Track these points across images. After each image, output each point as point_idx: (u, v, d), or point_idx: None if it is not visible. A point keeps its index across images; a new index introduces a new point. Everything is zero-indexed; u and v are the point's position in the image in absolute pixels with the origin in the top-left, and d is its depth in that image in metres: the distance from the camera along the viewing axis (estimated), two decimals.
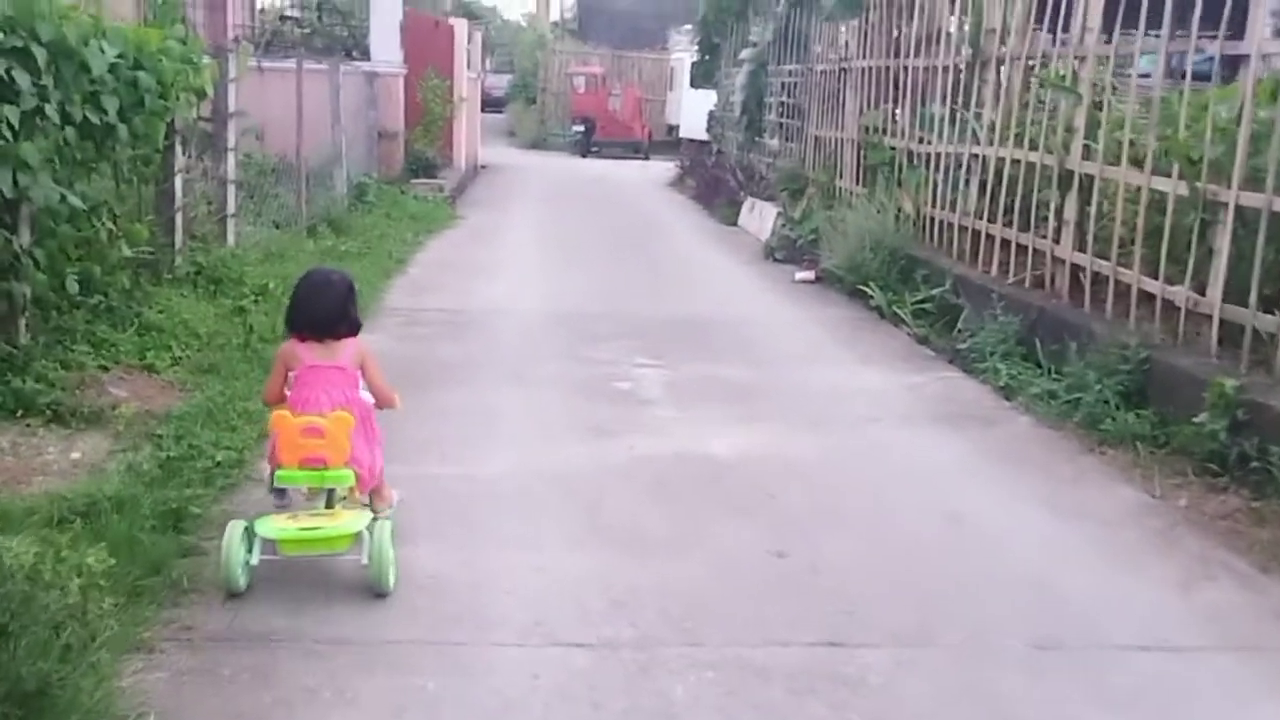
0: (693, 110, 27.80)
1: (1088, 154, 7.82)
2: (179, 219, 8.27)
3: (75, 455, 5.19)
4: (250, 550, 3.92)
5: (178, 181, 8.22)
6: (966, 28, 9.98)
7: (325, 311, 4.17)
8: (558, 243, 13.66)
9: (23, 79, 5.38)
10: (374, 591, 3.94)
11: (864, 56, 12.79)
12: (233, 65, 9.58)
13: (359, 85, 16.10)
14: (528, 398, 6.63)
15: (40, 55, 5.45)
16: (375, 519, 4.07)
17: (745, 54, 18.18)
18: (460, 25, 21.22)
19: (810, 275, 11.08)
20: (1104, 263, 7.41)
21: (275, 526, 3.95)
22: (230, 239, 9.57)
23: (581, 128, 30.76)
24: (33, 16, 5.49)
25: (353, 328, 4.25)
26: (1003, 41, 9.31)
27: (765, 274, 11.70)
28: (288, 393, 4.20)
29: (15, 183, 5.45)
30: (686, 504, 4.98)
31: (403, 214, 14.03)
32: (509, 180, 22.02)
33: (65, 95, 5.87)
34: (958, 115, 9.93)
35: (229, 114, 9.55)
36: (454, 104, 18.00)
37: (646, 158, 29.71)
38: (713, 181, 18.41)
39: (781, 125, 16.70)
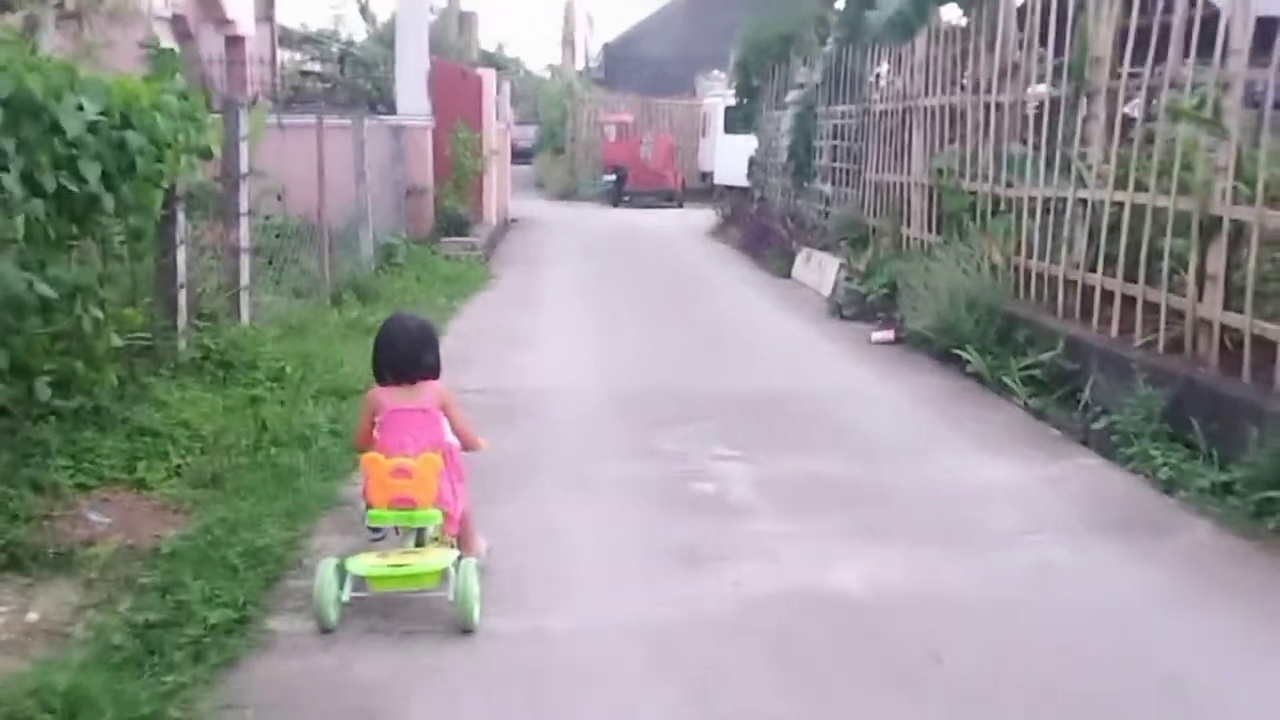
0: (729, 156, 26.79)
1: (1238, 197, 6.66)
2: (182, 297, 7.22)
3: (32, 616, 4.08)
4: (341, 587, 4.10)
5: (180, 255, 7.18)
6: (1061, 58, 8.88)
7: (404, 356, 4.41)
8: (601, 303, 12.56)
9: None
10: (460, 628, 4.07)
11: (932, 93, 11.71)
12: (244, 121, 8.57)
13: (385, 139, 15.13)
14: (593, 510, 5.49)
15: None
16: (461, 557, 4.21)
17: (792, 96, 17.14)
18: (489, 75, 20.33)
19: (889, 336, 9.93)
20: (1270, 326, 6.23)
21: (366, 564, 4.14)
22: (244, 315, 8.52)
23: (613, 177, 29.81)
24: None
25: (433, 371, 4.47)
26: (1114, 73, 8.19)
27: (836, 334, 10.55)
28: (376, 435, 4.38)
29: None
30: (824, 676, 3.81)
31: (434, 276, 12.99)
32: (541, 234, 21.03)
33: (30, 161, 4.83)
34: (1055, 155, 8.81)
35: (241, 175, 8.53)
36: (484, 157, 17.00)
37: (680, 205, 28.72)
38: (759, 230, 17.32)
39: (834, 170, 15.63)
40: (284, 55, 21.02)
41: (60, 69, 5.05)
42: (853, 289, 11.61)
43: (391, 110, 15.76)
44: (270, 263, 11.14)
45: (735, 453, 6.43)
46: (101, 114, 5.37)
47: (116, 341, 5.99)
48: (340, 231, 12.81)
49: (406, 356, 4.42)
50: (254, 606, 4.15)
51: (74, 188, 5.12)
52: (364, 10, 31.28)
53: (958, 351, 8.63)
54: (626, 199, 29.47)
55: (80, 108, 5.20)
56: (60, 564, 4.43)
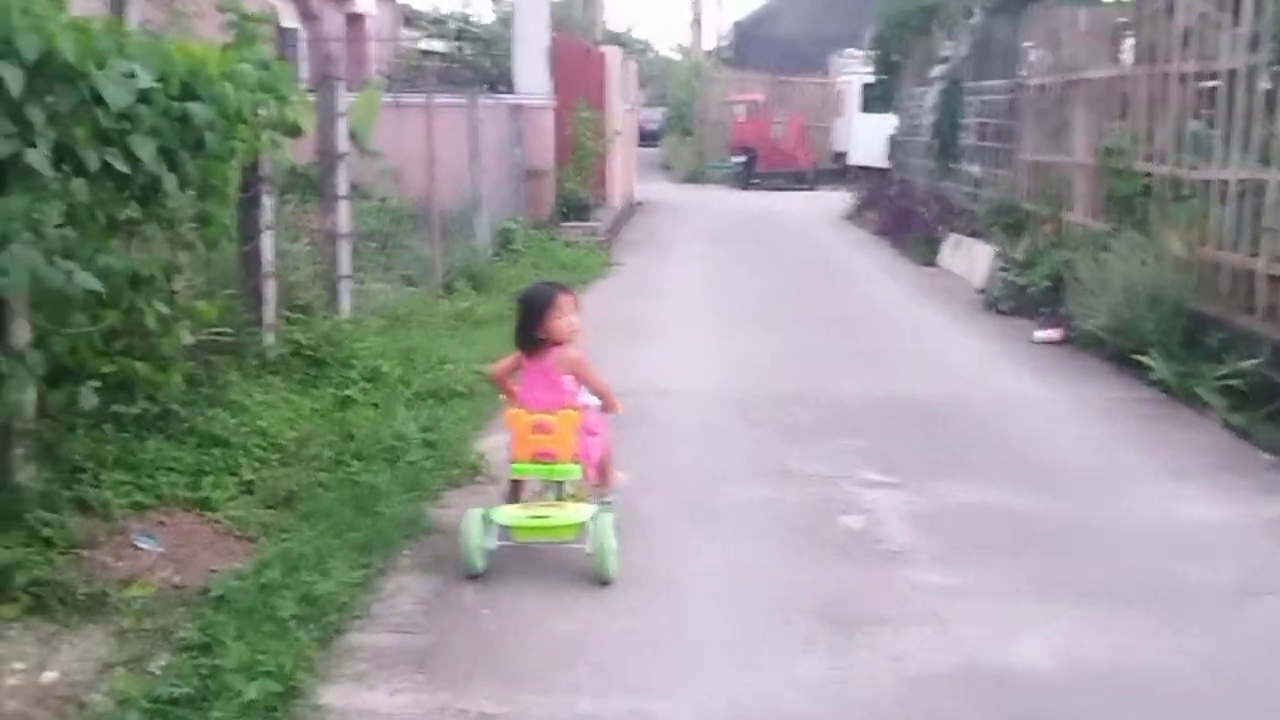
0: (864, 136, 25.60)
1: None
2: (269, 288, 6.58)
3: (49, 676, 3.42)
4: (486, 536, 4.31)
5: (266, 241, 6.54)
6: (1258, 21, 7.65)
7: (524, 324, 4.56)
8: (728, 293, 11.66)
9: None
10: (598, 579, 4.21)
11: (1098, 65, 10.49)
12: (342, 98, 7.92)
13: (503, 120, 14.47)
14: (716, 549, 4.62)
15: (14, 80, 3.74)
16: (599, 511, 4.34)
17: (937, 71, 15.96)
18: (613, 53, 19.52)
19: (1055, 335, 8.82)
20: None
21: (509, 514, 4.36)
22: (343, 306, 7.89)
23: (742, 158, 28.77)
24: (9, 26, 3.80)
25: (546, 340, 4.50)
26: None
27: (992, 331, 9.46)
28: (517, 389, 4.58)
29: None
30: None
31: (552, 263, 12.25)
32: (667, 218, 20.18)
33: (65, 134, 4.18)
34: (1249, 132, 7.60)
35: (338, 155, 7.88)
36: (607, 138, 16.19)
37: (812, 188, 27.57)
38: (900, 214, 16.19)
39: (983, 150, 14.43)
40: (406, 34, 20.59)
41: (106, 31, 4.37)
42: (1010, 280, 10.48)
43: (511, 89, 15.08)
44: (383, 248, 10.59)
45: (886, 477, 5.49)
46: (158, 83, 4.71)
47: (187, 339, 5.37)
48: (455, 215, 12.21)
49: (525, 324, 4.55)
50: (305, 673, 3.41)
51: (123, 167, 4.46)
52: None
53: (1137, 356, 7.52)
54: (756, 181, 28.44)
55: (132, 75, 4.55)
56: (92, 608, 3.77)
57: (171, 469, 4.85)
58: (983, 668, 3.62)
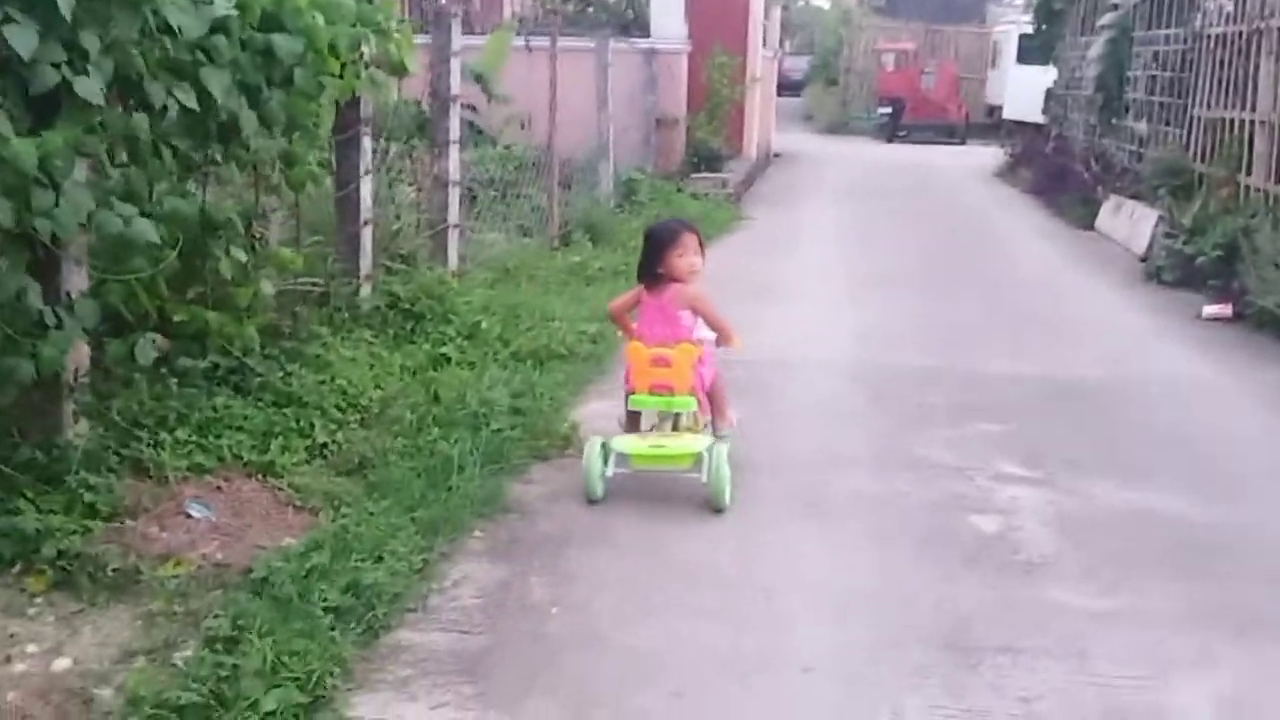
0: (1020, 88, 24.21)
1: None
2: (366, 236, 6.21)
3: (61, 664, 3.09)
4: (606, 463, 4.40)
5: (365, 186, 6.16)
6: None
7: (644, 260, 4.60)
8: (863, 254, 10.93)
9: (21, 36, 3.32)
10: (712, 507, 4.29)
11: None
12: (457, 37, 7.48)
13: (635, 66, 13.91)
14: (825, 550, 4.06)
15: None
16: (715, 442, 4.41)
17: (1106, 19, 14.78)
18: None
19: (1225, 311, 7.93)
20: None
21: (628, 443, 4.45)
22: (451, 257, 7.50)
23: (889, 109, 27.61)
24: None
25: (666, 276, 4.53)
26: None
27: (1154, 304, 8.59)
28: (635, 325, 4.66)
29: (27, 206, 3.42)
30: None
31: (674, 215, 11.67)
32: (804, 171, 19.39)
33: (127, 65, 3.80)
34: None
35: (450, 97, 7.46)
36: (744, 85, 15.45)
37: (963, 142, 26.31)
38: (1056, 172, 15.12)
39: (1152, 105, 13.27)
40: None
41: None
42: (1175, 249, 9.52)
43: (646, 33, 14.48)
44: (502, 197, 10.21)
45: (1028, 471, 4.84)
46: (237, 10, 4.31)
47: (268, 289, 5.02)
48: (580, 164, 11.76)
49: (647, 259, 4.59)
50: (337, 678, 2.99)
51: (191, 103, 4.08)
52: None
53: None
54: (902, 134, 27.31)
55: (207, 2, 4.16)
56: (123, 585, 3.43)
57: (240, 428, 4.50)
58: (1132, 718, 3.00)
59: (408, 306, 6.32)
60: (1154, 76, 13.32)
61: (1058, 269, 10.24)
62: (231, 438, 4.42)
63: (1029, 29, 21.89)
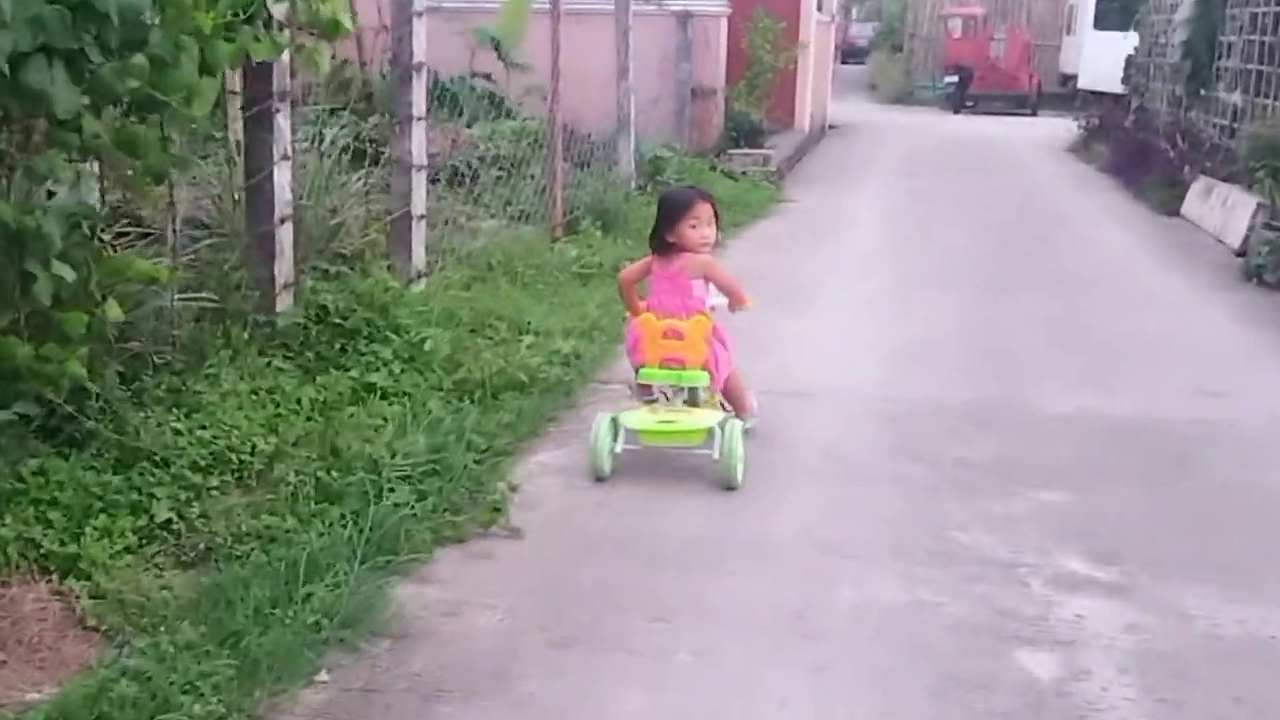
0: (1097, 56, 22.44)
1: None
2: (284, 235, 5.09)
3: None
4: (615, 439, 4.26)
5: (280, 174, 5.02)
6: None
7: (655, 226, 4.47)
8: (915, 243, 9.62)
9: None
10: (724, 485, 4.13)
11: None
12: None
13: (668, 30, 12.67)
14: (811, 709, 2.88)
15: None
16: (728, 417, 4.32)
17: None
18: None
19: None
20: None
21: (638, 418, 4.29)
22: (415, 256, 6.36)
23: (955, 78, 26.01)
24: None
25: (677, 245, 4.37)
26: None
27: (1254, 312, 7.22)
28: (641, 301, 4.50)
29: None
30: None
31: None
32: (861, 145, 17.99)
33: None
34: None
35: (414, 65, 6.30)
36: (789, 51, 14.07)
37: (1034, 113, 24.70)
38: (1136, 149, 13.63)
39: (1249, 74, 11.75)
40: None
41: None
42: (1276, 241, 8.13)
43: None
44: (508, 176, 9.09)
45: (1099, 570, 3.60)
46: None
47: (115, 313, 3.92)
48: (602, 141, 10.58)
49: (659, 226, 4.45)
50: None
51: None
52: None
53: None
54: (970, 104, 25.75)
55: None
56: None
57: (51, 503, 3.43)
58: None
59: (339, 321, 5.17)
60: (1251, 41, 11.80)
61: (1138, 264, 8.86)
62: (29, 518, 3.34)
63: None
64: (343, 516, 3.62)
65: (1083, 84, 24.10)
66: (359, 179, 6.24)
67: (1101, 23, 22.35)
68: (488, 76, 12.31)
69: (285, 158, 5.07)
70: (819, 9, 18.21)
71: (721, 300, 4.47)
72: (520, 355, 5.35)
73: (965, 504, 4.08)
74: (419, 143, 6.42)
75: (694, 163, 11.48)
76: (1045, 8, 29.03)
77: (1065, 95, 25.42)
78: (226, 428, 4.07)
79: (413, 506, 3.75)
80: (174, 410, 4.08)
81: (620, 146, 10.42)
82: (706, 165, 11.69)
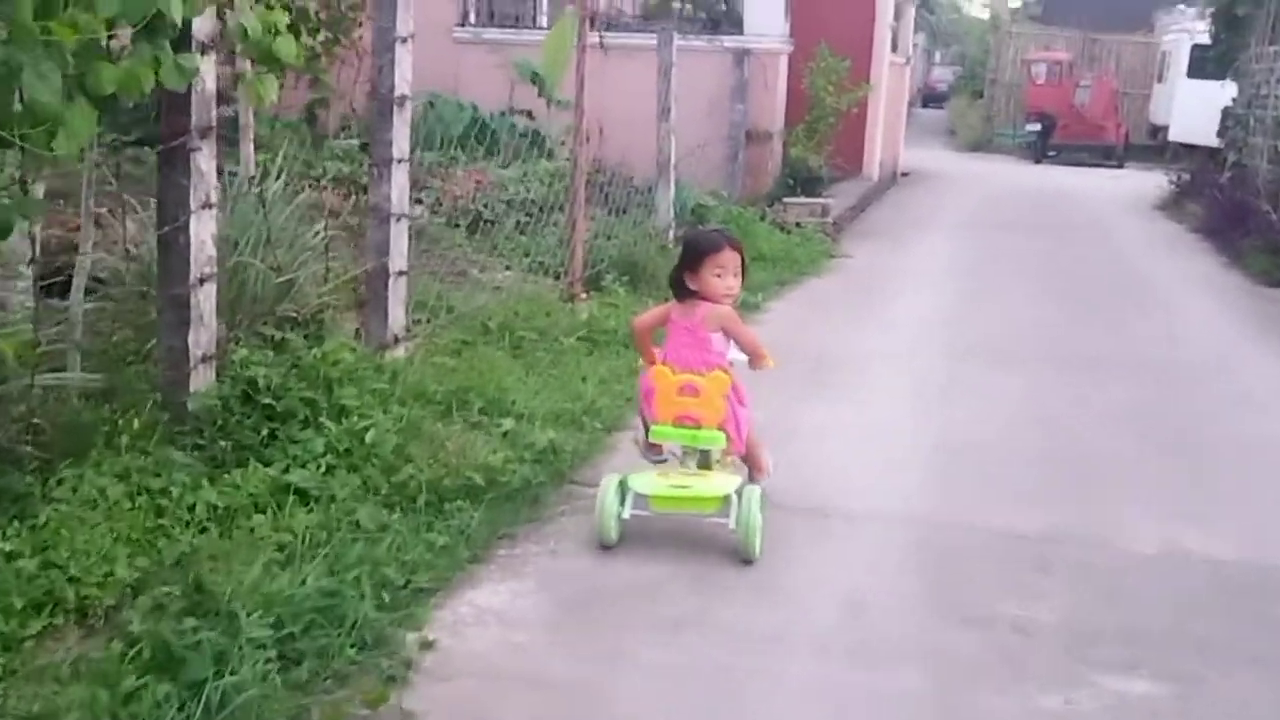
0: (1191, 106, 21.17)
1: None
2: (203, 297, 4.25)
3: None
4: (623, 504, 3.97)
5: (199, 225, 4.19)
6: None
7: (676, 269, 4.15)
8: (975, 313, 8.55)
9: None
10: (741, 557, 3.83)
11: None
12: (406, 15, 5.49)
13: (721, 68, 11.82)
14: None
15: None
16: (745, 484, 4.01)
17: None
18: None
19: None
20: None
21: (648, 482, 4.01)
22: (392, 318, 5.51)
23: (1038, 126, 24.76)
24: None
25: (698, 293, 4.05)
26: None
27: None
28: (656, 350, 4.17)
29: None
30: None
31: (750, 252, 9.48)
32: (932, 195, 16.94)
33: None
34: None
35: (396, 98, 5.47)
36: (857, 93, 13.10)
37: (1121, 165, 23.39)
38: (1233, 209, 12.45)
39: None
40: None
41: None
42: None
43: (738, 29, 12.34)
44: (535, 223, 8.33)
45: None
46: None
47: None
48: (641, 187, 9.73)
49: (677, 271, 4.13)
50: None
51: None
52: None
53: None
54: (1052, 154, 24.51)
55: None
56: None
57: None
58: None
59: (269, 402, 4.33)
60: None
61: (1237, 348, 7.72)
62: None
63: (1204, 38, 19.00)
64: (176, 694, 2.73)
65: (1174, 136, 22.82)
66: (315, 232, 5.38)
67: (1196, 70, 21.07)
68: (529, 114, 11.56)
69: (207, 205, 4.25)
70: (893, 49, 17.25)
71: (741, 357, 4.15)
72: (482, 450, 4.45)
73: (1017, 699, 3.07)
74: (400, 188, 5.58)
75: (741, 212, 10.54)
76: (1135, 54, 27.73)
77: (1155, 147, 24.18)
78: (73, 550, 3.22)
79: (276, 677, 2.86)
80: (15, 524, 3.24)
81: (659, 193, 9.54)
82: (756, 215, 10.74)
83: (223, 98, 4.88)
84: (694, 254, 4.08)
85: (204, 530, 3.64)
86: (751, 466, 4.26)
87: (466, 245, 8.28)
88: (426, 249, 7.72)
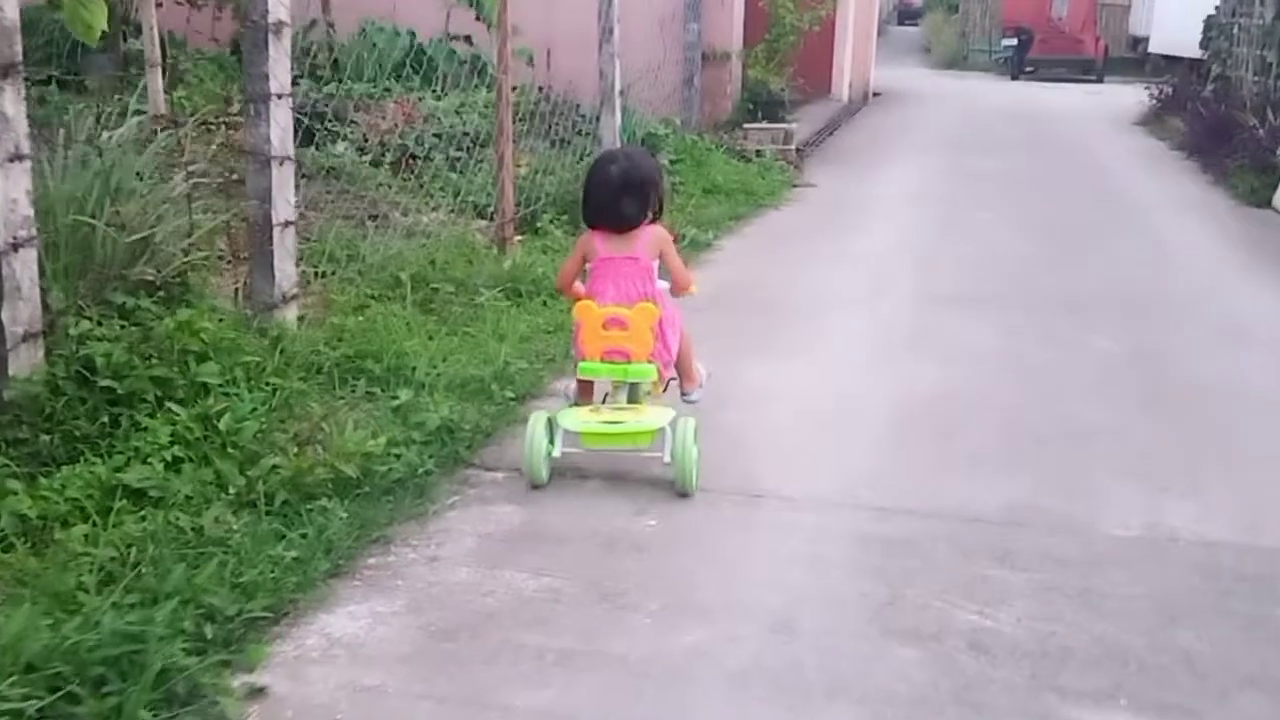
0: (1172, 16, 20.39)
1: None
2: (17, 265, 3.60)
3: None
4: (553, 442, 3.83)
5: (5, 179, 3.52)
6: None
7: (608, 205, 3.88)
8: (945, 246, 7.89)
9: None
10: (677, 491, 3.71)
11: None
12: None
13: None
14: None
15: None
16: (679, 416, 3.81)
17: None
18: None
19: None
20: None
21: (578, 419, 3.86)
22: (279, 276, 4.86)
23: (1014, 41, 24.03)
24: None
25: (649, 215, 3.90)
26: None
27: None
28: (580, 286, 3.98)
29: None
30: None
31: (700, 184, 8.81)
32: (904, 116, 16.21)
33: None
34: None
35: (270, 25, 4.76)
36: (824, 9, 12.30)
37: (1100, 80, 22.69)
38: (1217, 124, 11.80)
39: None
40: None
41: None
42: None
43: None
44: (470, 159, 7.67)
45: None
46: None
47: None
48: (594, 115, 9.03)
49: (609, 205, 3.86)
50: None
51: None
52: None
53: None
54: (1029, 70, 23.79)
55: None
56: None
57: None
58: None
59: (109, 385, 3.71)
60: None
61: (1223, 277, 7.12)
62: None
63: None
64: None
65: (1154, 48, 22.07)
66: (177, 180, 4.70)
67: None
68: (468, 39, 10.78)
69: (16, 158, 3.58)
70: None
71: (664, 284, 4.00)
72: (359, 432, 3.83)
73: None
74: (283, 127, 4.90)
75: (696, 140, 9.85)
76: None
77: (1135, 60, 23.47)
78: None
79: None
80: None
81: (604, 122, 8.81)
82: (709, 144, 10.03)
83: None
84: (635, 179, 3.85)
85: (8, 548, 3.05)
86: (683, 377, 4.11)
87: (390, 185, 7.59)
88: (344, 190, 7.07)
